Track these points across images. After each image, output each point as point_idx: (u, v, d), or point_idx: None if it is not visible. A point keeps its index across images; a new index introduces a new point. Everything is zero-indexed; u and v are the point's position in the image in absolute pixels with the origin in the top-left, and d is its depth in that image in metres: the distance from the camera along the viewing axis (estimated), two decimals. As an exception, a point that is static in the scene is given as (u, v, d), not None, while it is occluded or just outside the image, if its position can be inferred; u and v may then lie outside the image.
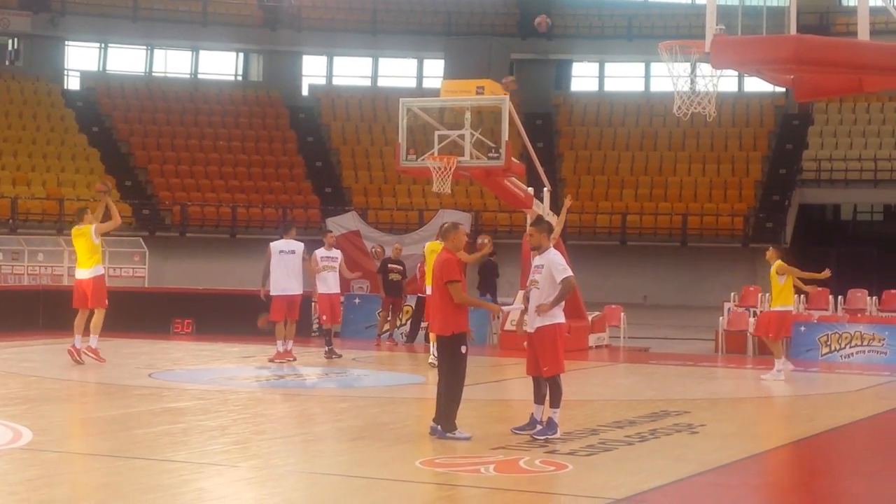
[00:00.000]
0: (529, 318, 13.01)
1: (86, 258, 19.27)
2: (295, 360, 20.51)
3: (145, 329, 25.55)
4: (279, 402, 16.37)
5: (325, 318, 21.91)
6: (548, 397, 12.86)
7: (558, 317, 12.85)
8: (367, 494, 10.04)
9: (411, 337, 26.12)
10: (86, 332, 19.26)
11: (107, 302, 19.32)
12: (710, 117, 14.14)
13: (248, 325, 23.31)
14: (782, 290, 19.82)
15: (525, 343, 13.24)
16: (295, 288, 20.63)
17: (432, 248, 20.57)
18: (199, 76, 48.11)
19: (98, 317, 19.16)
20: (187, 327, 27.06)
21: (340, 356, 21.38)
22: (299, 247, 20.77)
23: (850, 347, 23.91)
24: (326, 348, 21.58)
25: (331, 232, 24.95)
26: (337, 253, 22.21)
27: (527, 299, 13.19)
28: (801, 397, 17.82)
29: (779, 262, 19.71)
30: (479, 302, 15.49)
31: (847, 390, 18.89)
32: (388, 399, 16.64)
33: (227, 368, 19.96)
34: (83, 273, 19.28)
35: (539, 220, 13.92)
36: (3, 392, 15.97)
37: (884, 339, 24.05)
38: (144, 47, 47.31)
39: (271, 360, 20.29)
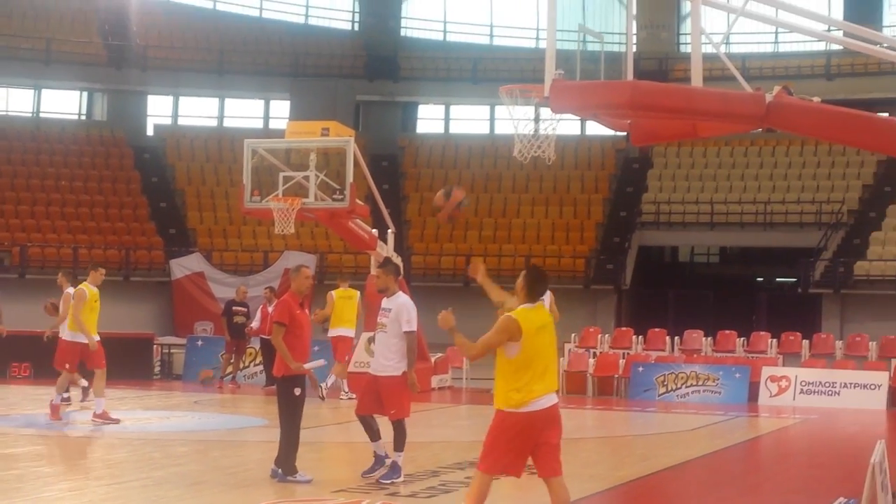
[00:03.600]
0: (373, 361, 13.10)
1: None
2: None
3: (-19, 373, 24.98)
4: (118, 447, 16.16)
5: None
6: (393, 440, 12.94)
7: (402, 366, 12.96)
8: (204, 539, 9.99)
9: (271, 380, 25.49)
10: None
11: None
12: (549, 160, 14.37)
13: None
14: None
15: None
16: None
17: (341, 294, 22.92)
18: (42, 115, 47.31)
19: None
20: (25, 371, 26.54)
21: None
22: None
23: (686, 387, 24.45)
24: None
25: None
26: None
27: (371, 341, 13.28)
28: (638, 437, 18.17)
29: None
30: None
31: (683, 429, 19.30)
32: (230, 442, 16.56)
33: (64, 413, 19.62)
34: None
35: (386, 263, 14.04)
36: None
37: (718, 379, 24.65)
38: (-16, 85, 46.48)
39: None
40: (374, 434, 13.09)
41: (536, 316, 9.53)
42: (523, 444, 9.37)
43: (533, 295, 9.56)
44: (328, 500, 11.53)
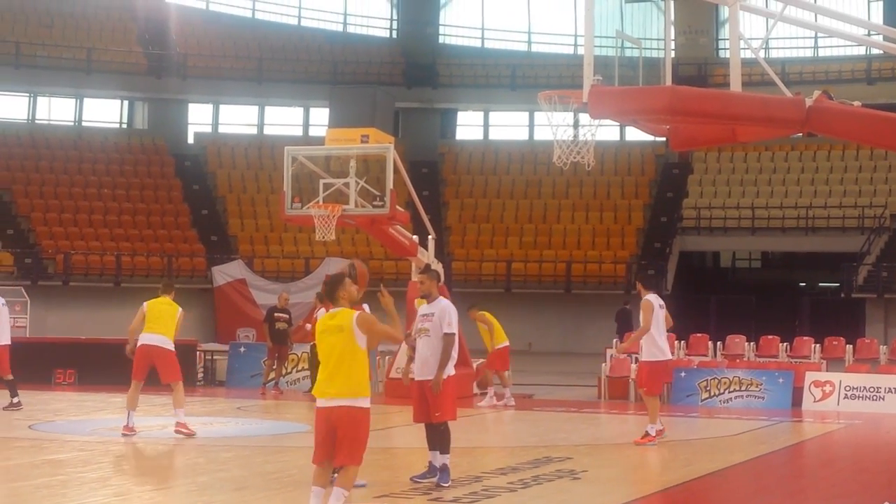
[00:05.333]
0: (417, 367, 13.15)
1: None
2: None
3: (27, 380, 25.06)
4: (162, 453, 16.26)
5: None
6: (439, 443, 12.99)
7: (449, 369, 13.02)
8: (249, 544, 10.05)
9: None
10: None
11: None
12: (589, 166, 14.39)
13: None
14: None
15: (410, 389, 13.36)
16: None
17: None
18: (84, 124, 47.64)
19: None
20: (69, 377, 26.75)
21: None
22: None
23: (729, 392, 24.36)
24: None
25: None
26: None
27: (412, 347, 13.33)
28: (681, 442, 18.12)
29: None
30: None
31: (725, 435, 19.23)
32: (273, 448, 16.63)
33: (109, 419, 19.74)
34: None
35: (428, 269, 14.11)
36: None
37: (761, 384, 24.54)
38: (27, 94, 46.79)
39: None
40: (433, 443, 13.13)
41: (327, 319, 10.47)
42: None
43: (328, 300, 10.62)
44: (371, 505, 11.57)
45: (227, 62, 48.17)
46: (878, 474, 15.51)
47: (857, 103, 13.69)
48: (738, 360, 26.26)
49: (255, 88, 47.85)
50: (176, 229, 42.87)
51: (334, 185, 22.95)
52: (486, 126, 51.08)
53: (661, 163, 46.68)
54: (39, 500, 11.64)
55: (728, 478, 15.00)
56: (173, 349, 17.47)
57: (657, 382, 17.80)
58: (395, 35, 52.60)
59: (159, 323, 17.36)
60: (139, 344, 17.36)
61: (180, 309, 17.59)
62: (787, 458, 17.48)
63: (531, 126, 49.80)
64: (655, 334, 17.23)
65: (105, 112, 48.33)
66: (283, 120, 49.93)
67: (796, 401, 24.32)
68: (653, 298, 17.27)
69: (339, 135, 23.75)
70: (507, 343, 23.78)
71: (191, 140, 48.30)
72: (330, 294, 10.43)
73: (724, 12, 47.78)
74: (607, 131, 45.31)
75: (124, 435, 16.93)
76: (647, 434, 17.39)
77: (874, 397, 24.04)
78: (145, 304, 17.55)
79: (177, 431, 17.14)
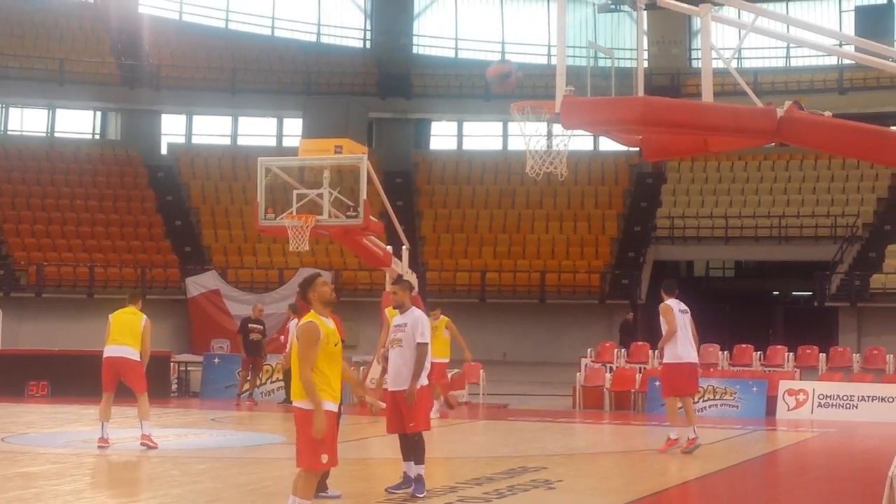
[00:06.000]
0: (390, 377, 13.14)
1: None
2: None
3: (-1, 392, 25.08)
4: (135, 465, 16.21)
5: None
6: (413, 454, 12.99)
7: (422, 380, 13.03)
8: (224, 556, 10.02)
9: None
10: None
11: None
12: (562, 176, 14.39)
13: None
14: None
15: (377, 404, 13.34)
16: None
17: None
18: (56, 134, 47.50)
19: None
20: (42, 389, 26.61)
21: None
22: None
23: (703, 401, 24.39)
24: None
25: None
26: None
27: (385, 358, 13.33)
28: (655, 451, 18.14)
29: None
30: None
31: (700, 443, 19.27)
32: (248, 459, 16.58)
33: (82, 431, 19.66)
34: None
35: (400, 279, 14.12)
36: None
37: (735, 393, 24.61)
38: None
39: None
40: (407, 454, 13.13)
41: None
42: None
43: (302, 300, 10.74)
44: (346, 516, 11.55)
45: (200, 73, 48.09)
46: (852, 482, 15.56)
47: (827, 113, 13.74)
48: (711, 369, 26.31)
49: (228, 99, 47.79)
50: (149, 240, 42.76)
51: (308, 196, 22.92)
52: (459, 136, 51.13)
53: (634, 172, 46.82)
54: (12, 513, 11.59)
55: (703, 487, 15.04)
56: (139, 359, 17.40)
57: (670, 385, 18.06)
58: (368, 45, 52.64)
59: (123, 333, 17.35)
60: (105, 356, 17.35)
61: (145, 318, 17.52)
62: (762, 466, 17.53)
63: (505, 136, 49.87)
64: (677, 337, 17.53)
65: (78, 123, 48.20)
66: (257, 130, 49.88)
67: (770, 409, 24.39)
68: (673, 303, 17.55)
69: (312, 145, 23.70)
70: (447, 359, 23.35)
71: (164, 151, 48.19)
72: (303, 295, 10.50)
73: (697, 23, 47.94)
74: (581, 141, 45.40)
75: (99, 447, 16.87)
76: (668, 439, 17.82)
77: (848, 405, 24.13)
78: (111, 315, 17.56)
79: (142, 443, 17.11)
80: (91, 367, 18.49)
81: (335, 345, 10.30)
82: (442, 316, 22.82)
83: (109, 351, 17.33)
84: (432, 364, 21.15)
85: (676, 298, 17.79)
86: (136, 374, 17.36)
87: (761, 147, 42.05)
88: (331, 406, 10.24)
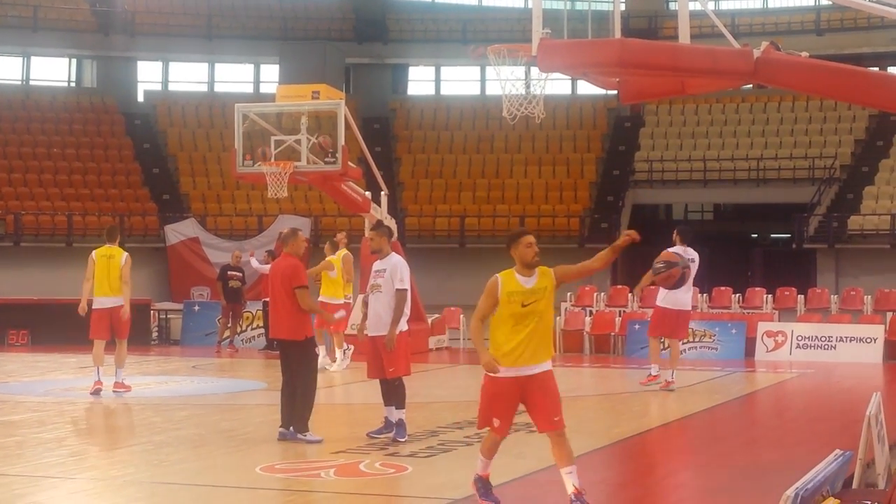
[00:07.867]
0: (370, 323, 13.16)
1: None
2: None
3: (-21, 342, 25.06)
4: (117, 413, 16.24)
5: None
6: (395, 399, 13.05)
7: (402, 325, 13.05)
8: (208, 503, 10.06)
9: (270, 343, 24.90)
10: None
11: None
12: (538, 119, 14.39)
13: (86, 334, 22.97)
14: None
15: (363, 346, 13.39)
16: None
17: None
18: (31, 83, 47.12)
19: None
20: (22, 338, 26.61)
21: None
22: None
23: (683, 344, 24.49)
24: None
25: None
26: None
27: (366, 304, 13.35)
28: (635, 394, 18.25)
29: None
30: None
31: (680, 385, 19.37)
32: (229, 406, 16.63)
33: (63, 380, 19.69)
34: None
35: (379, 225, 14.13)
36: None
37: (714, 335, 24.77)
38: (-27, 54, 46.32)
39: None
40: (388, 398, 13.18)
41: None
42: None
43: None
44: (328, 461, 11.60)
45: (175, 19, 47.74)
46: (830, 422, 15.69)
47: (804, 54, 13.74)
48: (691, 312, 26.40)
49: (204, 45, 47.46)
50: (127, 188, 42.60)
51: (286, 142, 22.86)
52: (437, 81, 50.92)
53: (612, 116, 46.73)
54: (-6, 461, 11.60)
55: (683, 428, 15.15)
56: (123, 303, 17.42)
57: (662, 327, 18.80)
58: (345, -10, 52.29)
59: (109, 281, 17.37)
60: (94, 307, 17.36)
61: (126, 254, 17.55)
62: (741, 407, 17.67)
63: (483, 81, 49.67)
64: None
65: (53, 71, 47.83)
66: (234, 77, 49.60)
67: (749, 351, 24.56)
68: (680, 250, 17.61)
69: (289, 91, 23.63)
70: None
71: (140, 98, 47.89)
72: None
73: (675, -36, 47.86)
74: (559, 85, 45.33)
75: (94, 391, 16.95)
76: (649, 375, 18.60)
77: (826, 346, 24.31)
78: (93, 252, 17.59)
79: (114, 391, 17.23)
80: (71, 315, 18.46)
81: (522, 305, 9.79)
82: (345, 249, 21.70)
83: (101, 302, 17.42)
84: (324, 304, 20.55)
85: (687, 247, 18.05)
86: (125, 321, 17.49)
87: (739, 89, 42.07)
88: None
